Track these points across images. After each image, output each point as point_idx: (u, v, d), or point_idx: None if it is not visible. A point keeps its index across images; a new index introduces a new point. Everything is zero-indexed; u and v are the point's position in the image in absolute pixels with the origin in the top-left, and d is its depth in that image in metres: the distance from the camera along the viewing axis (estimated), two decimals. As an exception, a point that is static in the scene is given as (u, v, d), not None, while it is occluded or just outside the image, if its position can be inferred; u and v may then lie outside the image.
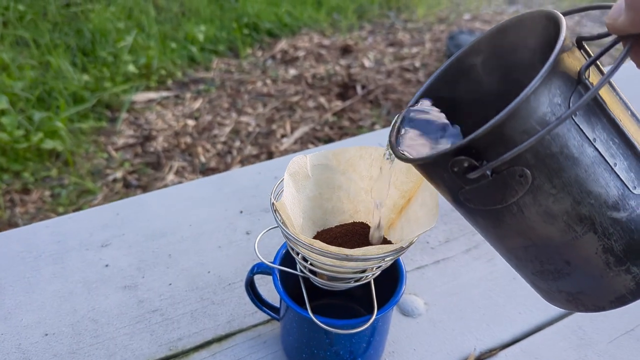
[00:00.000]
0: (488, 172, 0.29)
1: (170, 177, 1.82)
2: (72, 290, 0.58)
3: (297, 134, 2.04)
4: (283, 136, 2.03)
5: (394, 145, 0.36)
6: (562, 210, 0.30)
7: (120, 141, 1.96)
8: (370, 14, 3.02)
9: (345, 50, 2.59)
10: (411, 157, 0.33)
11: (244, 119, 2.11)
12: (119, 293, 0.58)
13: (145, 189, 1.77)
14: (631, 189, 0.31)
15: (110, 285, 0.59)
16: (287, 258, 0.49)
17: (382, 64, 2.50)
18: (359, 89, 2.27)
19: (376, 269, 0.43)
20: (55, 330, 0.54)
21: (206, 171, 1.85)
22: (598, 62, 0.31)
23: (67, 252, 0.62)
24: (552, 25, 0.30)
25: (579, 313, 0.58)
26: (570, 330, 0.56)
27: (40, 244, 0.63)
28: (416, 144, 0.35)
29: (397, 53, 2.63)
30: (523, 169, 0.29)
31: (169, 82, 2.28)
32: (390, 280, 0.49)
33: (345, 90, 2.28)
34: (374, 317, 0.44)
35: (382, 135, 0.87)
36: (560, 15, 0.30)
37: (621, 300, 0.34)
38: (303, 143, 1.99)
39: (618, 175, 0.30)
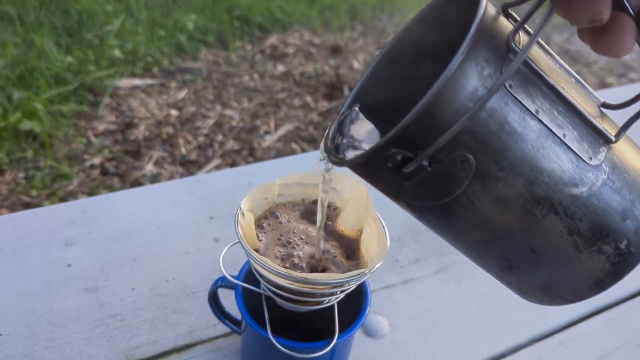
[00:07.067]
0: (425, 163, 0.27)
1: (149, 167, 1.80)
2: (31, 289, 0.56)
3: (281, 131, 2.02)
4: (266, 133, 2.01)
5: (330, 151, 0.34)
6: (515, 194, 0.28)
7: (101, 127, 1.93)
8: (362, 15, 3.01)
9: (335, 50, 2.58)
10: (345, 160, 0.31)
11: (228, 112, 2.09)
12: (79, 295, 0.56)
13: (122, 177, 1.75)
14: (586, 160, 0.28)
15: (70, 286, 0.57)
16: (252, 273, 0.48)
17: (371, 67, 2.50)
18: (346, 90, 2.27)
19: (340, 292, 0.43)
20: (10, 330, 0.52)
21: (186, 163, 1.83)
22: (529, 28, 0.29)
23: (29, 249, 0.60)
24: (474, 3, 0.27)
25: (542, 344, 0.58)
26: (532, 360, 0.57)
27: (2, 238, 0.61)
28: (351, 149, 0.34)
29: (386, 57, 2.63)
30: (464, 153, 0.26)
31: (155, 69, 2.25)
32: (356, 301, 0.48)
33: (333, 90, 2.27)
34: (334, 341, 0.43)
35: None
36: None
37: (600, 285, 0.32)
38: (286, 141, 1.98)
39: (569, 147, 0.28)
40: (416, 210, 0.31)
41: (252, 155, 1.90)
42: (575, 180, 0.28)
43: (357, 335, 0.56)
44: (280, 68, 2.40)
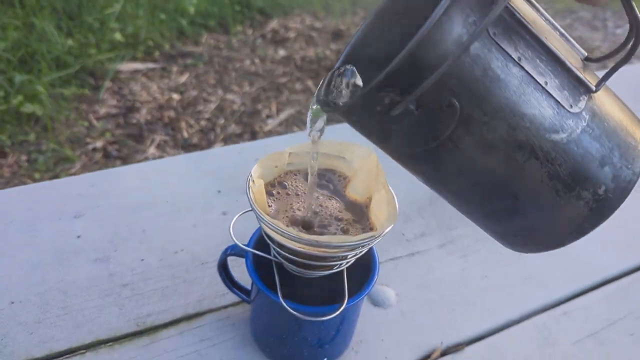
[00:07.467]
0: (412, 107, 0.28)
1: (152, 150, 1.80)
2: (41, 259, 0.57)
3: (283, 115, 2.02)
4: (268, 117, 2.01)
5: (322, 101, 0.35)
6: (498, 139, 0.29)
7: (103, 110, 1.92)
8: (364, 0, 3.00)
9: (337, 35, 2.57)
10: (337, 106, 0.32)
11: (229, 96, 2.09)
12: (89, 265, 0.57)
13: (125, 160, 1.75)
14: (567, 107, 0.30)
15: (81, 256, 0.58)
16: (261, 241, 0.49)
17: (373, 52, 2.49)
18: (347, 75, 2.26)
19: (350, 257, 0.43)
20: (22, 298, 0.53)
21: (188, 147, 1.83)
22: None
23: (39, 221, 0.61)
24: None
25: (546, 314, 0.59)
26: (536, 330, 0.57)
27: (12, 210, 0.62)
28: (342, 99, 0.35)
29: (388, 42, 2.62)
30: (449, 98, 0.28)
31: (156, 53, 2.24)
32: (364, 270, 0.49)
33: (334, 75, 2.27)
34: (343, 305, 0.44)
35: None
36: None
37: (579, 230, 0.33)
38: (288, 125, 1.98)
39: (551, 94, 0.29)
40: (404, 157, 0.32)
41: (254, 139, 1.90)
42: (556, 126, 0.29)
43: (365, 304, 0.57)
44: (282, 52, 2.39)
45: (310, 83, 2.21)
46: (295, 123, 1.99)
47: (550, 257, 0.66)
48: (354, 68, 0.36)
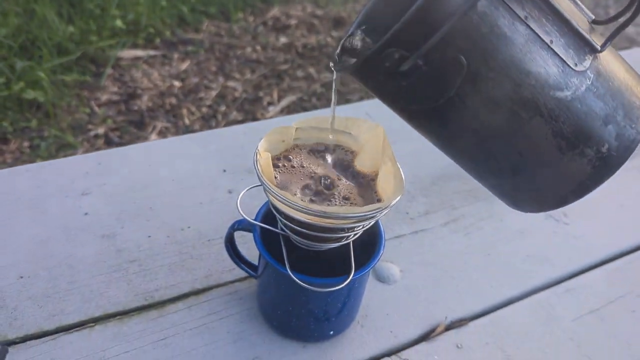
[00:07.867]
0: (420, 62, 0.29)
1: (153, 137, 1.80)
2: (49, 235, 0.57)
3: (284, 102, 2.02)
4: (269, 104, 2.01)
5: (337, 61, 0.36)
6: (504, 96, 0.30)
7: (104, 97, 1.92)
8: (365, -12, 2.99)
9: (338, 22, 2.56)
10: (349, 64, 0.33)
11: (231, 83, 2.09)
12: (97, 241, 0.58)
13: (126, 147, 1.75)
14: (572, 66, 0.30)
15: (88, 233, 0.58)
16: (268, 216, 0.49)
17: (374, 39, 2.48)
18: (349, 62, 2.26)
19: (358, 229, 0.44)
20: (30, 273, 0.54)
21: (189, 134, 1.84)
22: None
23: (46, 198, 0.61)
24: None
25: (549, 291, 0.60)
26: (539, 306, 0.58)
27: (20, 187, 0.62)
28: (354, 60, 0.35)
29: (389, 29, 2.61)
30: (456, 54, 0.29)
31: (157, 40, 2.23)
32: (369, 246, 0.49)
33: (335, 62, 2.26)
34: (350, 276, 0.45)
35: (370, 105, 0.87)
36: None
37: (582, 188, 0.34)
38: (289, 112, 1.98)
39: (556, 53, 0.30)
40: (412, 115, 0.33)
41: (256, 125, 1.90)
42: (560, 84, 0.30)
43: (370, 280, 0.58)
44: (283, 40, 2.39)
45: (311, 70, 2.20)
46: (296, 110, 1.99)
47: (553, 235, 0.67)
48: (365, 29, 0.37)
